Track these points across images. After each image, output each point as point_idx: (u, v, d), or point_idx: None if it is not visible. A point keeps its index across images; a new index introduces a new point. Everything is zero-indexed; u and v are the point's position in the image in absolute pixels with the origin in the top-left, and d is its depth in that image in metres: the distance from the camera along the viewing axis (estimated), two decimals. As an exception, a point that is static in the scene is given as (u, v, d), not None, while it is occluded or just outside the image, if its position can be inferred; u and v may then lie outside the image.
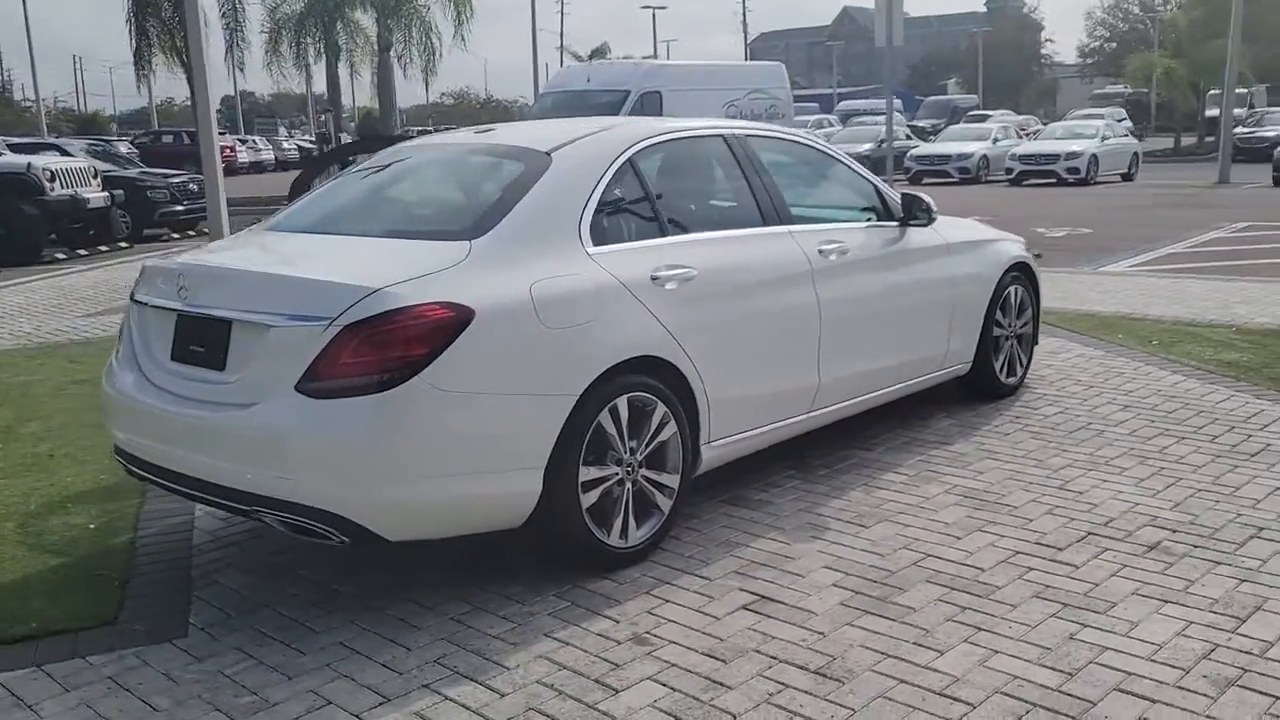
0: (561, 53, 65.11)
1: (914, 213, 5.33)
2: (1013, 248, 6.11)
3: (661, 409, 4.00)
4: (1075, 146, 25.96)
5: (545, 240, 3.86)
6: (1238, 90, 35.97)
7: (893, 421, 5.63)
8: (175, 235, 18.20)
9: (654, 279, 4.04)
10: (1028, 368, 6.33)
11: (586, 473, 3.78)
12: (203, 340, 3.77)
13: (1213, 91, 41.61)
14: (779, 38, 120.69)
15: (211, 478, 3.66)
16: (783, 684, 3.12)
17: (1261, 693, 3.00)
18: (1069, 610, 3.50)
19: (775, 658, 3.28)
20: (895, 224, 5.34)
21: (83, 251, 15.95)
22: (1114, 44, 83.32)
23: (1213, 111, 43.64)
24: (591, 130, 4.44)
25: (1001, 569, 3.84)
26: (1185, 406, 5.81)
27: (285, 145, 51.70)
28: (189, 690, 3.22)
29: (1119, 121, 35.47)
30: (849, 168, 5.39)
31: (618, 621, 3.56)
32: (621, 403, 3.86)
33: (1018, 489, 4.64)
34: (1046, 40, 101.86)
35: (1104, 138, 27.11)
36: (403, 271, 3.54)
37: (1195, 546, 3.98)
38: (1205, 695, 2.99)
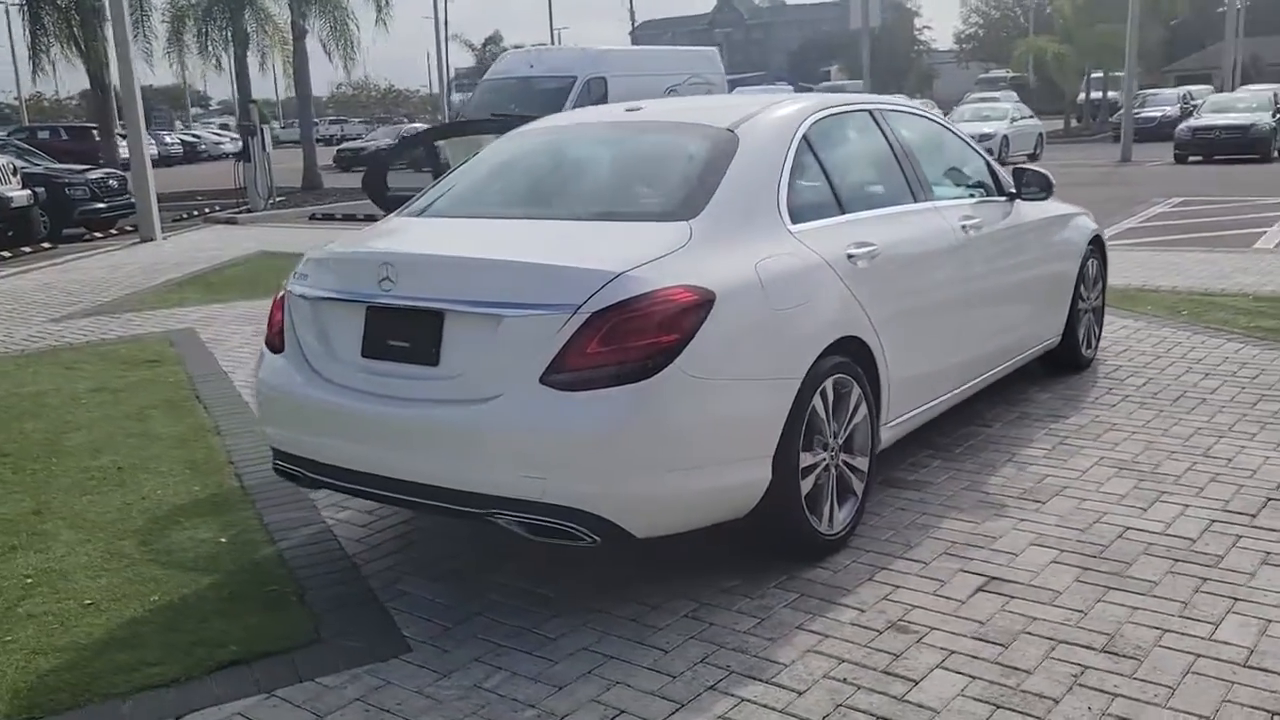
0: (446, 42, 63.95)
1: (1029, 187, 5.34)
2: (1089, 221, 6.19)
3: (857, 390, 3.91)
4: (988, 128, 26.66)
5: (753, 219, 3.72)
6: (1117, 74, 37.60)
7: (994, 398, 5.63)
8: (98, 234, 17.24)
9: (849, 257, 3.94)
10: (1099, 339, 6.43)
11: (804, 459, 3.66)
12: (408, 334, 3.51)
13: (1095, 74, 43.42)
14: (661, 26, 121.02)
15: (432, 480, 3.42)
16: (1080, 664, 3.06)
17: None
18: (1306, 574, 3.54)
19: (1052, 639, 3.21)
20: (1007, 198, 5.34)
21: (5, 254, 14.96)
22: (984, 30, 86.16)
23: (1096, 94, 45.54)
24: (761, 105, 4.31)
25: (1211, 538, 3.85)
26: (1265, 372, 5.97)
27: (172, 139, 49.66)
28: (459, 709, 2.99)
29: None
30: (965, 142, 5.38)
31: (862, 610, 3.45)
32: (829, 385, 3.75)
33: (1166, 459, 4.68)
34: (924, 27, 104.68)
35: (1013, 119, 27.95)
36: (635, 254, 3.35)
37: (1374, 506, 4.08)
38: None
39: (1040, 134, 28.99)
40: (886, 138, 4.67)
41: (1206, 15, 57.18)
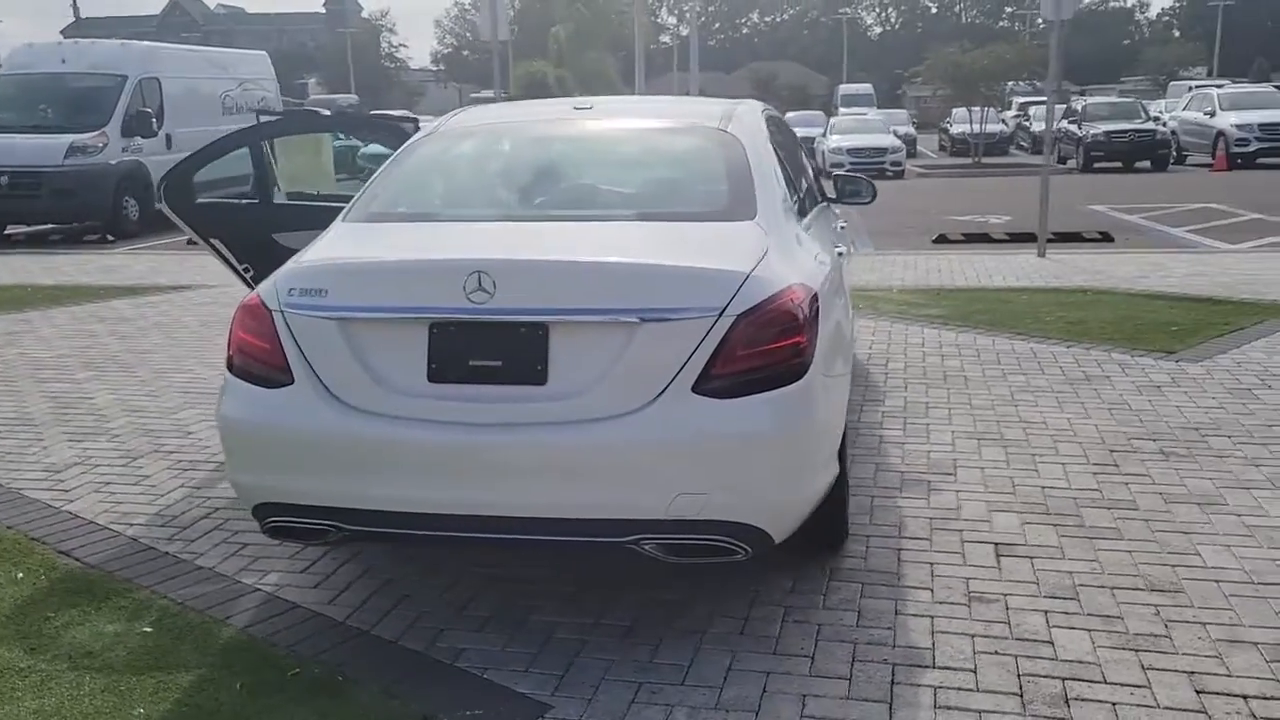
0: None
1: (853, 193, 5.78)
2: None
3: None
4: (885, 142, 26.74)
5: (785, 218, 3.74)
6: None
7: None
8: None
9: (840, 255, 4.11)
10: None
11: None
12: (500, 351, 3.08)
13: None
14: (100, 26, 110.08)
15: (550, 513, 3.06)
16: (1143, 602, 3.51)
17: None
18: None
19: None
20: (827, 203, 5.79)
21: None
22: (465, 51, 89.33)
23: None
24: (718, 105, 4.33)
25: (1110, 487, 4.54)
26: (980, 351, 7.01)
27: None
28: None
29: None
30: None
31: (932, 587, 3.64)
32: None
33: (1004, 428, 5.37)
34: (400, 45, 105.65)
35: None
36: (740, 254, 3.24)
37: None
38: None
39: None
40: (794, 142, 4.89)
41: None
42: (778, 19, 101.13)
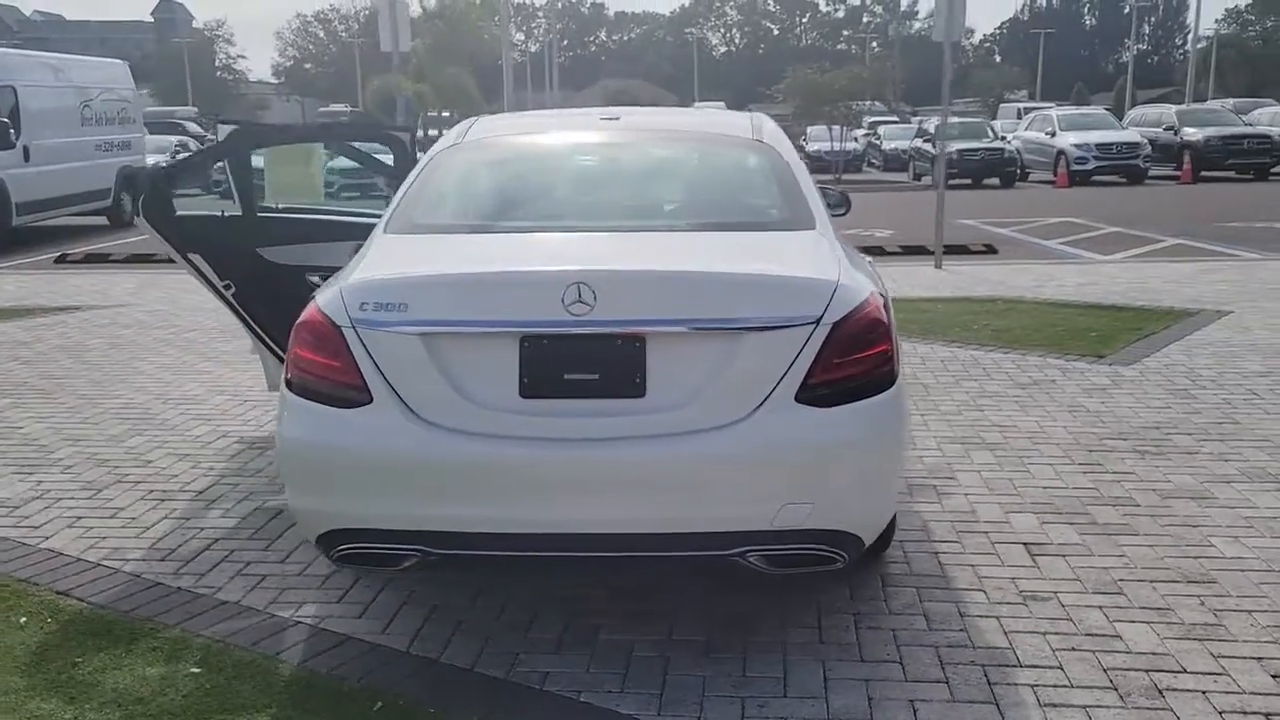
0: None
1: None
2: None
3: None
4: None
5: (834, 227, 3.77)
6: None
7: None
8: None
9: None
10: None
11: None
12: (596, 364, 3.00)
13: (445, 113, 46.16)
14: None
15: (653, 528, 3.00)
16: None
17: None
18: None
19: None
20: None
21: None
22: (308, 65, 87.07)
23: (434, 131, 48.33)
24: (742, 117, 4.35)
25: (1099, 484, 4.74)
26: (923, 359, 7.23)
27: None
28: None
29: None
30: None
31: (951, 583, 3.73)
32: None
33: (980, 431, 5.55)
34: (238, 57, 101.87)
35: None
36: (822, 264, 3.27)
37: None
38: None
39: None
40: None
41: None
42: (625, 37, 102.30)
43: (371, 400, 3.06)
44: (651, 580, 3.77)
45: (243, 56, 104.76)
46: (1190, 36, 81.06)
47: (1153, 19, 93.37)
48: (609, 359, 3.01)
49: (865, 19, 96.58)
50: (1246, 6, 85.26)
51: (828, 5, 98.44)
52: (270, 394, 6.38)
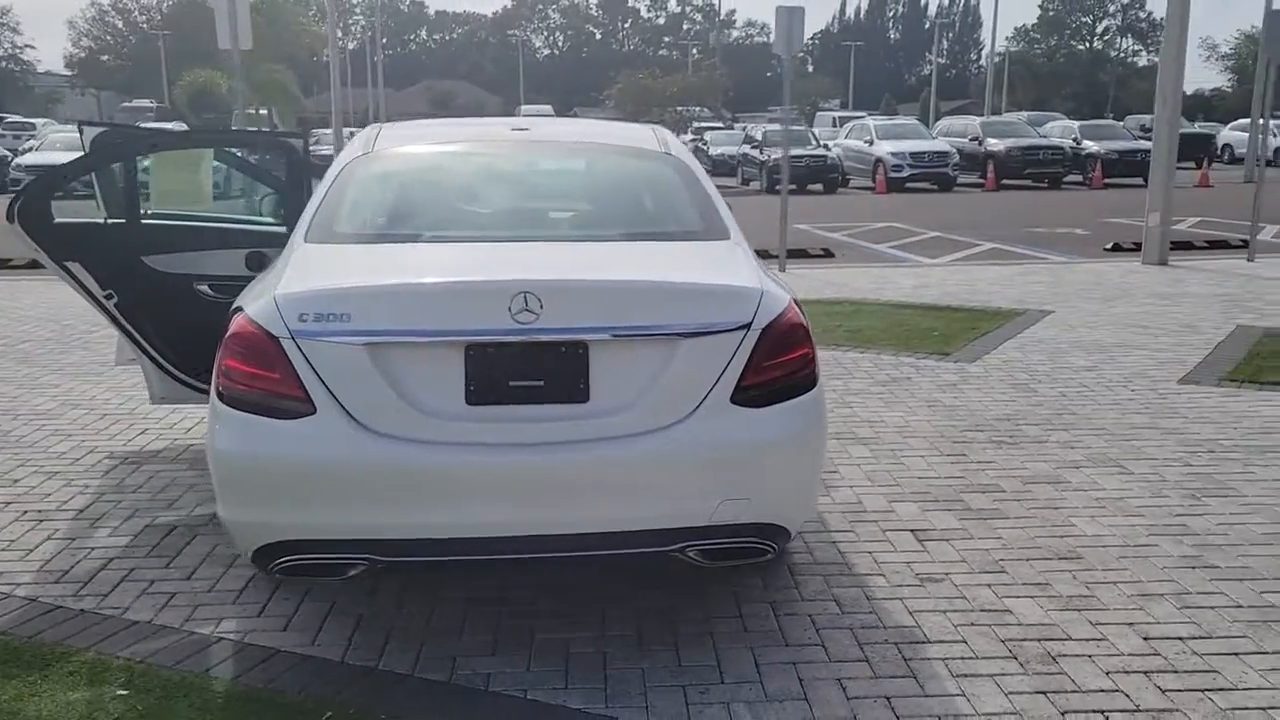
0: None
1: None
2: None
3: None
4: None
5: (743, 236, 3.95)
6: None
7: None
8: None
9: None
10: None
11: None
12: (541, 371, 3.09)
13: (262, 111, 44.42)
14: None
15: (597, 528, 3.12)
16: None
17: None
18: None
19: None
20: None
21: None
22: (105, 56, 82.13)
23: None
24: (642, 128, 4.50)
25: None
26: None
27: None
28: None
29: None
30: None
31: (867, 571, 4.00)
32: None
33: (854, 427, 5.88)
34: (26, 46, 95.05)
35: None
36: (742, 272, 3.45)
37: (1000, 438, 5.75)
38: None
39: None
40: None
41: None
42: (447, 37, 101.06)
43: (315, 411, 3.06)
44: (575, 579, 3.88)
45: (30, 46, 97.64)
46: (984, 52, 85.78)
47: (950, 35, 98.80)
48: (553, 366, 3.11)
49: (685, 26, 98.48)
50: (1032, 26, 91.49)
51: (649, 11, 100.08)
52: (148, 406, 6.16)
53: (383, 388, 3.06)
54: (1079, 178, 28.84)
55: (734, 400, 3.18)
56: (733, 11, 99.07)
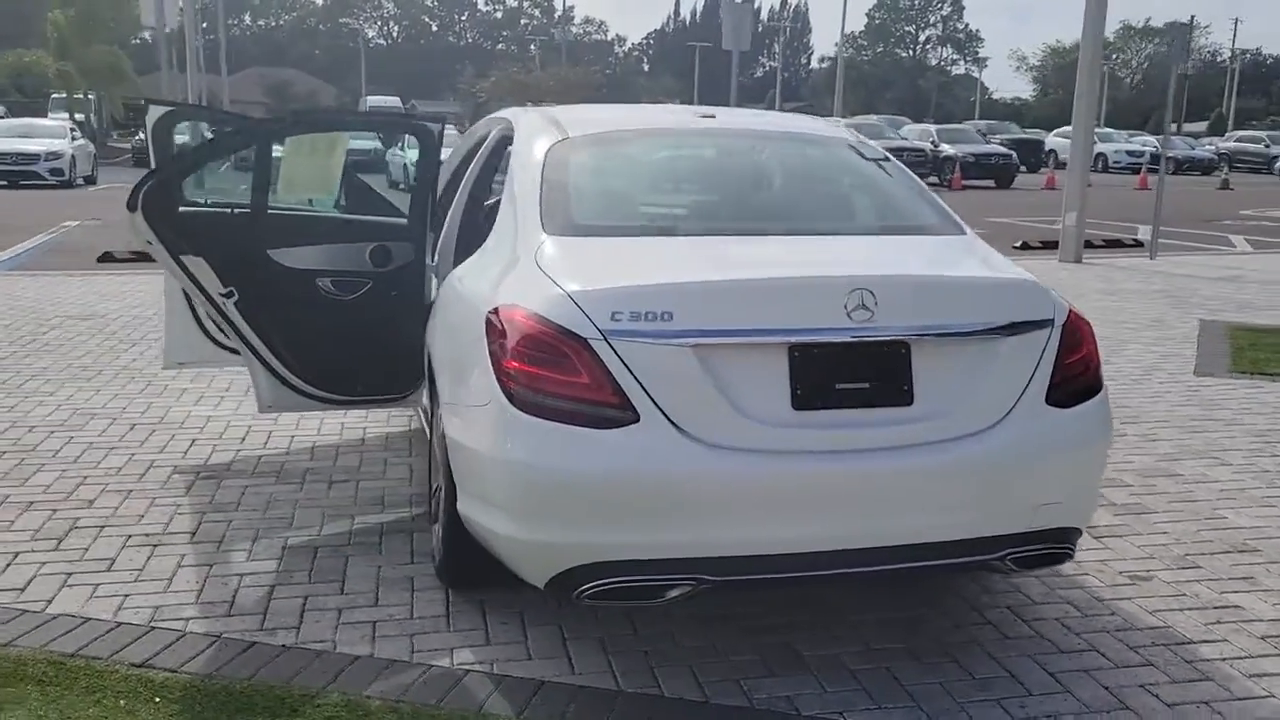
0: None
1: None
2: None
3: None
4: (56, 146, 24.07)
5: None
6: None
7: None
8: None
9: None
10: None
11: None
12: (867, 373, 2.93)
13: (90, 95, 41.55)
14: None
15: (919, 538, 3.00)
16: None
17: None
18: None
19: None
20: None
21: None
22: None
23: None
24: (826, 122, 4.33)
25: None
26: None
27: None
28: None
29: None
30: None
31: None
32: None
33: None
34: None
35: (73, 138, 25.70)
36: (1013, 267, 3.36)
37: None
38: None
39: (93, 154, 27.19)
40: None
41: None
42: (273, 23, 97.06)
43: (638, 419, 2.80)
44: (793, 591, 3.70)
45: None
46: (814, 56, 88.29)
47: (781, 39, 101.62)
48: (878, 367, 2.95)
49: (524, 21, 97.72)
50: (860, 33, 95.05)
51: (486, 5, 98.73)
52: (178, 415, 5.62)
53: (711, 393, 2.83)
54: (936, 180, 30.05)
55: (1048, 400, 3.08)
56: (571, 8, 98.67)
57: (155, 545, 4.00)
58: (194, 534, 4.12)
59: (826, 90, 62.94)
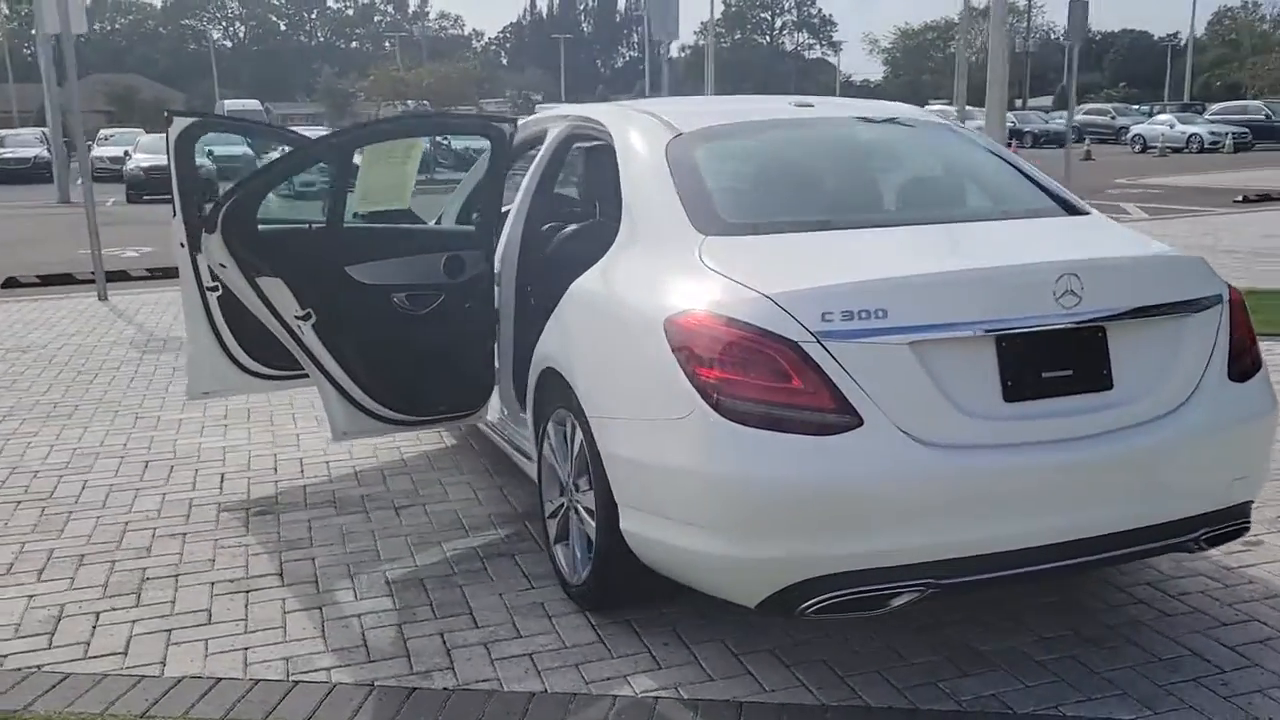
0: None
1: None
2: None
3: None
4: None
5: None
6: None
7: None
8: None
9: None
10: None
11: None
12: (1068, 359, 2.88)
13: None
14: None
15: (1124, 525, 2.94)
16: None
17: None
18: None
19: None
20: None
21: None
22: None
23: None
24: (901, 105, 4.27)
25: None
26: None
27: None
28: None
29: None
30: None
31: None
32: None
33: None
34: None
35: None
36: (1164, 245, 3.38)
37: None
38: None
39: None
40: None
41: None
42: (109, 28, 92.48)
43: (862, 423, 2.68)
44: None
45: None
46: (674, 45, 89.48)
47: (639, 29, 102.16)
48: (1080, 352, 2.90)
49: (376, 18, 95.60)
50: (718, 19, 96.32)
51: (336, 2, 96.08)
52: (185, 449, 5.24)
53: (930, 391, 2.74)
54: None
55: (1230, 376, 3.09)
56: (425, 3, 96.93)
57: (246, 591, 3.69)
58: (281, 575, 3.82)
59: (690, 78, 63.59)
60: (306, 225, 4.16)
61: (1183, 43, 69.76)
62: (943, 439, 2.74)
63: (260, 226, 3.82)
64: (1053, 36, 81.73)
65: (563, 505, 3.60)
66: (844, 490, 2.69)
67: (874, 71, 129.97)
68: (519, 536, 4.15)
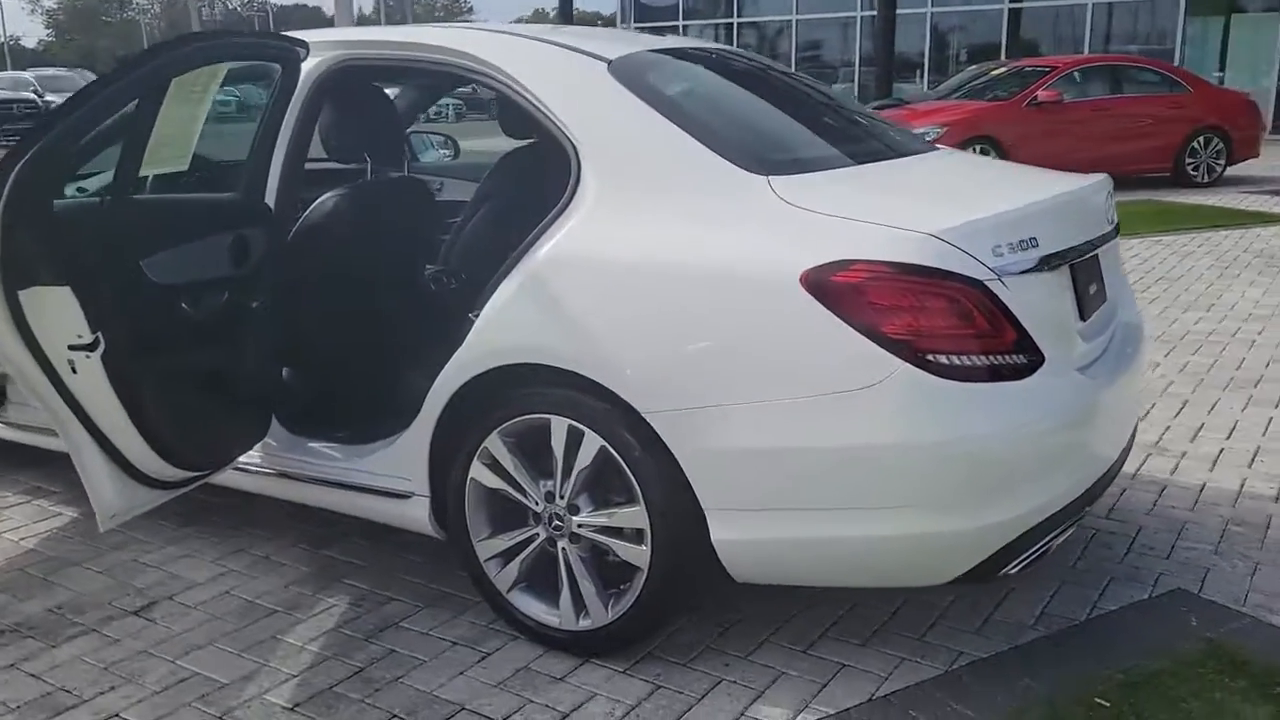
0: None
1: None
2: None
3: None
4: None
5: None
6: None
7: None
8: None
9: None
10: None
11: None
12: (1095, 274, 3.07)
13: None
14: None
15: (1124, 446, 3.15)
16: None
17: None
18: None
19: None
20: None
21: None
22: None
23: None
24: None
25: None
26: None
27: None
28: None
29: None
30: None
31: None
32: None
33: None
34: None
35: None
36: None
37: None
38: None
39: None
40: None
41: None
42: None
43: (1044, 360, 2.57)
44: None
45: None
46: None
47: None
48: (1095, 268, 3.09)
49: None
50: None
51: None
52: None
53: (1071, 319, 2.80)
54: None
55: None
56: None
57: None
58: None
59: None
60: (98, 200, 2.89)
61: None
62: (1082, 364, 2.80)
63: (58, 205, 2.64)
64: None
65: (535, 537, 2.90)
66: (1050, 435, 2.59)
67: (37, 33, 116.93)
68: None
